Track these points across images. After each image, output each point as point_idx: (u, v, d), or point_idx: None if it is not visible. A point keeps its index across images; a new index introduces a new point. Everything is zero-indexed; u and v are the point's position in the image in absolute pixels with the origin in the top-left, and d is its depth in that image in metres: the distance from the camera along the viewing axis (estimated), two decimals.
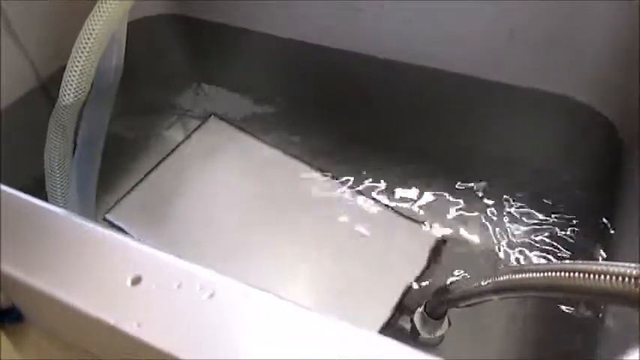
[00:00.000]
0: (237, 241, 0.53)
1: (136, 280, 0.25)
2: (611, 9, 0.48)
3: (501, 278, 0.33)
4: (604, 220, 0.49)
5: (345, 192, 0.56)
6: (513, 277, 0.32)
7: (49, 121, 0.48)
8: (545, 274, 0.30)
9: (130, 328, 0.24)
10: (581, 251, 0.48)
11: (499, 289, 0.33)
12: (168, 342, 0.23)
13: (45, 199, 0.49)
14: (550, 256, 0.48)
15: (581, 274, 0.27)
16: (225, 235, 0.54)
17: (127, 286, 0.25)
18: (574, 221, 0.51)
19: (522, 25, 0.52)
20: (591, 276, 0.27)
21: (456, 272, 0.49)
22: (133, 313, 0.24)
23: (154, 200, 0.57)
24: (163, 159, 0.61)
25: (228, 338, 0.24)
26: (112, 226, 0.55)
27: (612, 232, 0.48)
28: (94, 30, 0.47)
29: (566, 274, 0.28)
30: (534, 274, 0.31)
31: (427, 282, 0.49)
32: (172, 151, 0.61)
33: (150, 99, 0.67)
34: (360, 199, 0.56)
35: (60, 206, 0.50)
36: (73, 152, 0.50)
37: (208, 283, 0.25)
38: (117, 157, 0.60)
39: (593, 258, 0.47)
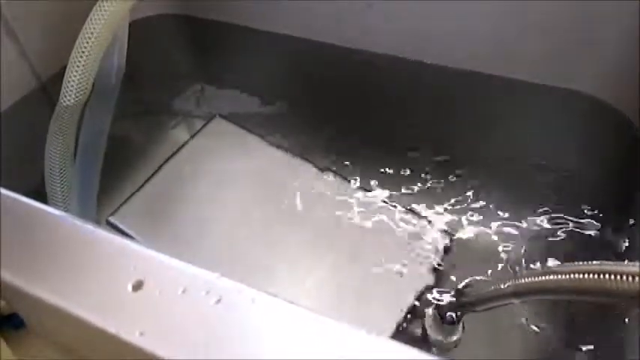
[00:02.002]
0: (244, 242, 0.52)
1: (138, 286, 0.24)
2: (624, 3, 0.47)
3: (522, 281, 0.31)
4: (625, 217, 0.48)
5: (353, 192, 0.55)
6: (535, 279, 0.30)
7: (49, 122, 0.47)
8: (569, 276, 0.28)
9: (132, 337, 0.22)
10: (602, 250, 0.46)
11: (519, 293, 0.31)
12: (173, 351, 0.22)
13: (45, 202, 0.48)
14: (570, 257, 0.47)
15: (610, 276, 0.26)
16: (232, 236, 0.53)
17: (128, 292, 0.24)
18: (593, 219, 0.49)
19: (534, 21, 0.51)
20: (621, 277, 0.25)
21: (469, 275, 0.48)
22: (134, 321, 0.23)
23: (159, 202, 0.56)
24: (167, 160, 0.60)
25: (236, 346, 0.22)
26: (116, 228, 0.54)
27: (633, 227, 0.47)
28: (94, 30, 0.46)
29: (594, 276, 0.27)
30: (557, 277, 0.29)
31: (439, 285, 0.47)
32: (176, 151, 0.60)
33: (153, 99, 0.66)
34: (369, 199, 0.54)
35: (60, 209, 0.48)
36: (74, 154, 0.49)
37: (214, 287, 0.24)
38: (121, 159, 0.59)
39: (614, 257, 0.45)
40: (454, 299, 0.39)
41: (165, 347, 0.22)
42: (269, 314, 0.23)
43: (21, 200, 0.29)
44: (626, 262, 0.36)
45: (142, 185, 0.57)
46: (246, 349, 0.22)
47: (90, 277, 0.25)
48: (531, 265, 0.47)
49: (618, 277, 0.25)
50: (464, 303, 0.38)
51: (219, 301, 0.23)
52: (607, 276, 0.26)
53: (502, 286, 0.32)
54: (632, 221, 0.48)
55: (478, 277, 0.47)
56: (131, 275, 0.24)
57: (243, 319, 0.23)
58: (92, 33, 0.46)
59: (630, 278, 0.25)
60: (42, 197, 0.49)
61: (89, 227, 0.26)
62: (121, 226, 0.54)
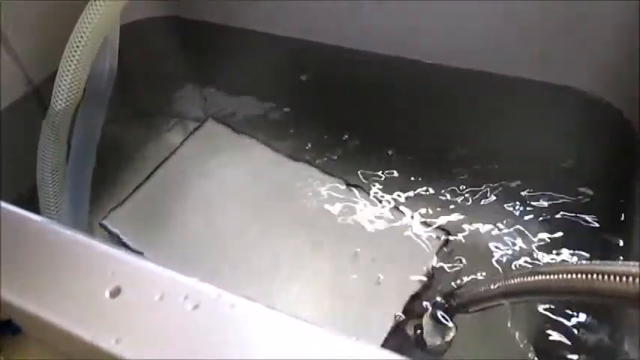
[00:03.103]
0: (238, 245, 0.52)
1: (115, 292, 0.24)
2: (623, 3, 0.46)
3: (512, 281, 0.31)
4: (621, 215, 0.47)
5: (350, 193, 0.55)
6: (524, 279, 0.30)
7: (42, 126, 0.47)
8: (559, 276, 0.28)
9: (108, 344, 0.22)
10: (597, 249, 0.45)
11: (509, 293, 0.31)
12: (149, 358, 0.22)
13: (37, 206, 0.48)
14: (564, 257, 0.46)
15: (599, 276, 0.25)
16: (225, 239, 0.52)
17: (106, 298, 0.23)
18: (590, 216, 0.49)
19: (532, 20, 0.51)
20: (609, 277, 0.25)
21: (464, 276, 0.47)
22: (111, 328, 0.22)
23: (152, 205, 0.56)
24: (161, 163, 0.59)
25: (214, 352, 0.22)
26: (108, 232, 0.54)
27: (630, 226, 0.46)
28: (85, 33, 0.46)
29: (582, 276, 0.26)
30: (547, 277, 0.29)
31: (434, 286, 0.47)
32: (170, 154, 0.60)
33: (147, 102, 0.66)
34: (363, 199, 0.54)
35: (52, 214, 0.48)
36: (67, 158, 0.49)
37: (193, 293, 0.23)
38: (114, 162, 0.59)
39: (610, 257, 0.44)
40: (447, 300, 0.39)
41: (141, 354, 0.22)
42: (248, 320, 0.23)
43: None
44: (620, 260, 0.36)
45: (136, 188, 0.57)
46: (224, 356, 0.22)
47: (67, 284, 0.24)
48: (526, 265, 0.46)
49: (607, 277, 0.25)
50: (456, 304, 0.37)
51: (197, 306, 0.23)
52: (595, 276, 0.25)
53: (492, 287, 0.32)
54: (626, 218, 0.47)
55: (473, 278, 0.46)
56: (109, 281, 0.24)
57: (222, 325, 0.23)
58: (83, 36, 0.46)
59: (619, 278, 0.24)
60: (34, 201, 0.49)
61: (68, 233, 0.26)
62: (114, 230, 0.54)
